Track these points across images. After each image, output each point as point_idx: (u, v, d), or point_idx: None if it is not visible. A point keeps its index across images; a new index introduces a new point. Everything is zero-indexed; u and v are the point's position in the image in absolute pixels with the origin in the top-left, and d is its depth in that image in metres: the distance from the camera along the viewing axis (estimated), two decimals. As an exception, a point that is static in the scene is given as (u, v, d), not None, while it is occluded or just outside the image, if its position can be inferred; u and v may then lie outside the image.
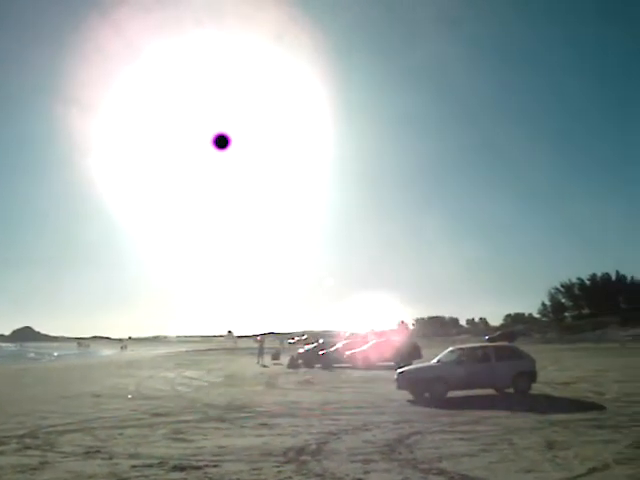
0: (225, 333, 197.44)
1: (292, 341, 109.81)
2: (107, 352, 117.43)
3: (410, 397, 21.87)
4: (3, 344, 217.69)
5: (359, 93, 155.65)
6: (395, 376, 23.21)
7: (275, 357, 54.89)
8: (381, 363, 40.94)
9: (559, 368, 33.68)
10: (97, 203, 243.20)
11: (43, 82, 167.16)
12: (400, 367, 25.93)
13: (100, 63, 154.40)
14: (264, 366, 48.33)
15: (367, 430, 14.82)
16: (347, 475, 10.38)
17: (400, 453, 12.02)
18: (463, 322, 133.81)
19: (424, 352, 41.25)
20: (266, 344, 61.93)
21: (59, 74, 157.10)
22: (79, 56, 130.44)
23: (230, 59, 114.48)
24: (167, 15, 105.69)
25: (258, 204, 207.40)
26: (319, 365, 44.43)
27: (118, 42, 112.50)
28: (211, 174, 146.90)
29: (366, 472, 10.64)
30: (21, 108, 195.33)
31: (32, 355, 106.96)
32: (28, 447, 13.78)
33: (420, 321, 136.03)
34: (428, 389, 21.95)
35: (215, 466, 11.32)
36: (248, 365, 49.90)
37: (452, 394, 21.60)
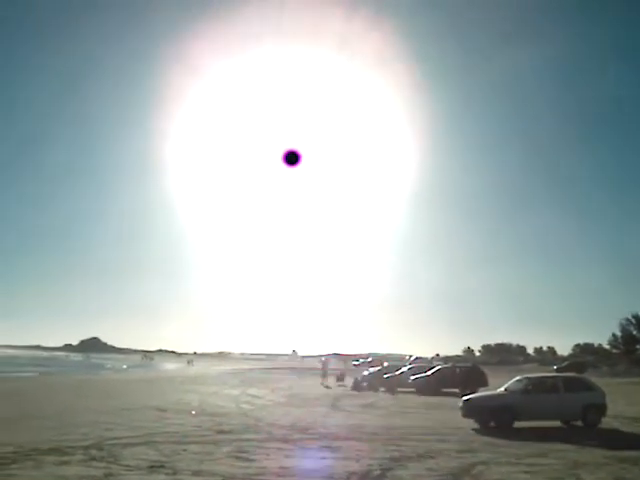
0: (289, 352, 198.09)
1: (357, 363, 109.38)
2: (171, 366, 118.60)
3: (475, 426, 21.53)
4: (71, 354, 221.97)
5: (434, 110, 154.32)
6: (460, 403, 22.90)
7: (339, 378, 54.68)
8: (446, 389, 40.52)
9: (629, 402, 32.75)
10: (169, 218, 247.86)
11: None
12: (465, 394, 25.59)
13: (175, 86, 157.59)
14: (328, 387, 48.24)
15: (431, 458, 14.62)
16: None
17: (465, 483, 11.82)
18: (530, 350, 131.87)
19: (490, 380, 40.66)
20: (330, 365, 61.82)
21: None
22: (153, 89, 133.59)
23: (303, 75, 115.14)
24: (236, 32, 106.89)
25: (327, 222, 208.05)
26: (383, 388, 44.16)
27: (188, 64, 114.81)
28: (281, 190, 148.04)
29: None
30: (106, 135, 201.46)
31: (97, 366, 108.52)
32: (93, 459, 13.95)
33: (487, 348, 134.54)
34: (494, 418, 21.59)
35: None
36: (312, 385, 49.82)
37: (518, 424, 21.19)
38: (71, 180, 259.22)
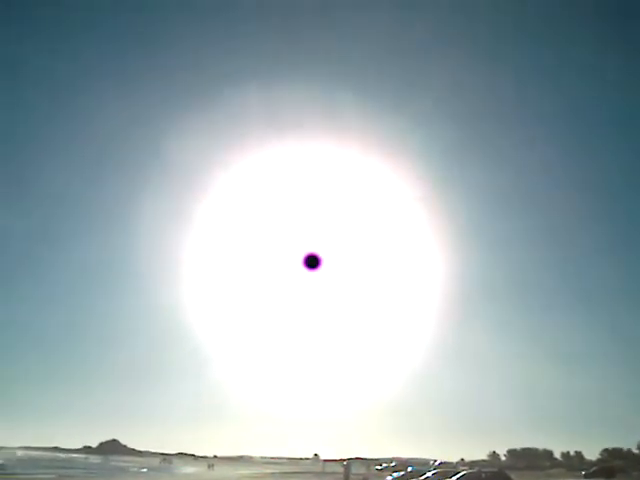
0: (311, 456, 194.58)
1: (380, 468, 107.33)
2: (190, 469, 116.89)
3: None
4: (90, 456, 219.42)
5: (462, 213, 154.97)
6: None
7: (363, 484, 53.62)
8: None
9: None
10: (186, 324, 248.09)
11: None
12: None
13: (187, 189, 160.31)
14: (351, 493, 47.24)
15: None
16: None
17: None
18: (557, 455, 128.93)
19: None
20: (353, 469, 60.68)
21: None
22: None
23: (324, 175, 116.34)
24: (256, 130, 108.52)
25: (348, 325, 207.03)
26: (408, 494, 43.28)
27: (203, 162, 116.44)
28: (301, 294, 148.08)
29: None
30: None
31: (117, 469, 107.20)
32: None
33: (512, 452, 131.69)
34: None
35: None
36: (335, 491, 48.80)
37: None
38: (89, 279, 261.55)
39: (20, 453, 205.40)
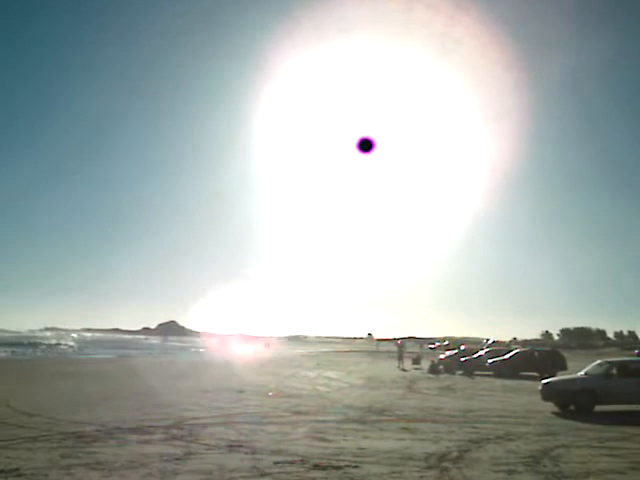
0: (365, 335, 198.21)
1: (433, 346, 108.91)
2: (246, 349, 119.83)
3: (555, 409, 21.19)
4: (149, 337, 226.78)
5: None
6: (539, 387, 22.56)
7: (415, 362, 54.35)
8: (524, 373, 40.03)
9: None
10: (246, 201, 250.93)
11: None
12: (544, 378, 25.23)
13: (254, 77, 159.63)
14: (404, 370, 48.10)
15: (510, 440, 14.43)
16: (490, 484, 10.13)
17: (545, 466, 11.60)
18: (610, 335, 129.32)
19: (569, 364, 39.97)
20: (406, 348, 61.63)
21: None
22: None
23: (379, 61, 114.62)
24: (311, 22, 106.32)
25: (402, 206, 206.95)
26: (460, 372, 43.88)
27: (268, 55, 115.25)
28: (355, 177, 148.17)
29: (510, 483, 10.37)
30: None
31: (175, 349, 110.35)
32: (174, 437, 14.19)
33: (565, 332, 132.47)
34: (574, 401, 21.19)
35: (355, 467, 11.28)
36: (388, 368, 49.77)
37: (599, 408, 20.75)
38: (144, 168, 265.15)
39: (82, 335, 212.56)
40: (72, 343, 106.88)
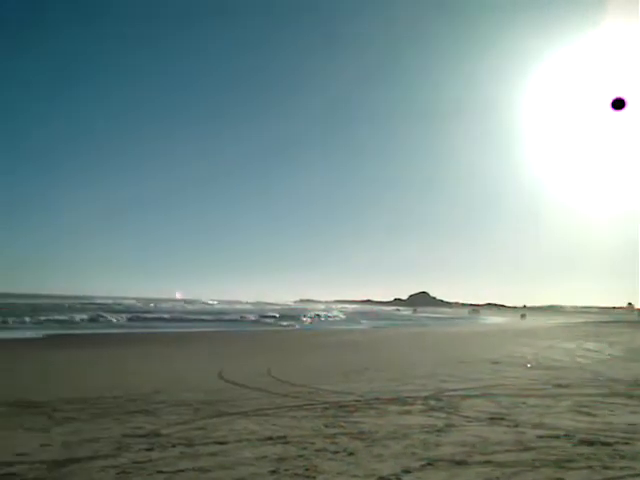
0: (625, 305, 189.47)
1: None
2: (500, 319, 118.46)
3: None
4: (400, 308, 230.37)
5: None
6: None
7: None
8: None
9: None
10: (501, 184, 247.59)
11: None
12: None
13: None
14: (671, 341, 45.30)
15: None
16: None
17: None
18: None
19: None
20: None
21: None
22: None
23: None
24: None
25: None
26: None
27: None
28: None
29: None
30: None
31: (427, 319, 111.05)
32: (432, 409, 14.10)
33: None
34: None
35: (626, 443, 10.62)
36: (654, 340, 47.06)
37: None
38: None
39: (336, 306, 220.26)
40: (341, 315, 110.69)
